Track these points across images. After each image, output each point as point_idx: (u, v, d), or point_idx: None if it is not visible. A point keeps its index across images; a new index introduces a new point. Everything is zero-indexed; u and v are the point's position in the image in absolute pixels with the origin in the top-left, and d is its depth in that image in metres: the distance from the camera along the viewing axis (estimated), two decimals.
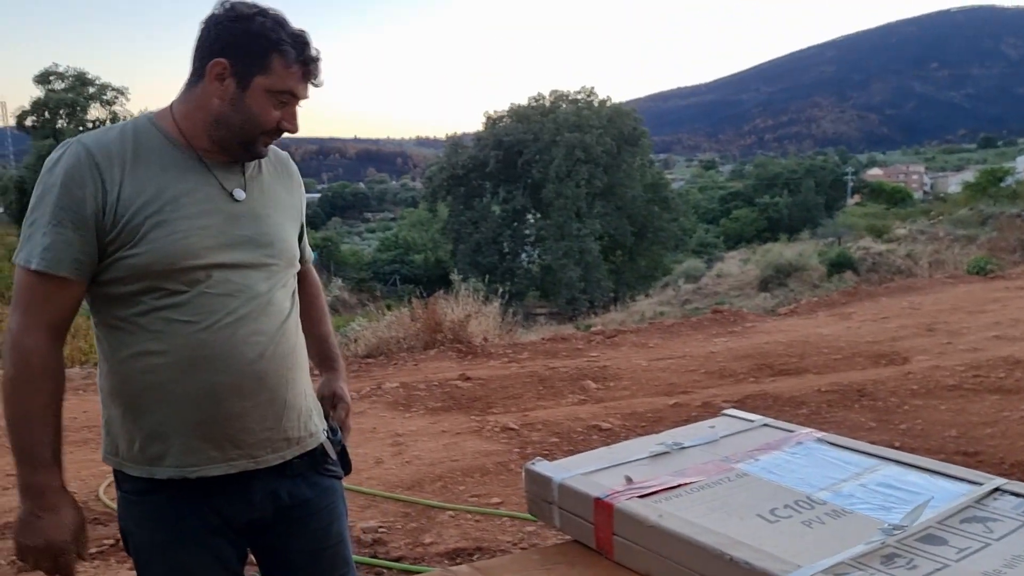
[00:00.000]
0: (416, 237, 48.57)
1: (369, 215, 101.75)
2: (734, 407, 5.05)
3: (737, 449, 1.74)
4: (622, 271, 40.27)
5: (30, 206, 1.49)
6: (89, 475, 4.10)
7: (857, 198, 58.29)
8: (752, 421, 1.92)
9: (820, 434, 1.81)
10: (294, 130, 1.59)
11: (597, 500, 1.50)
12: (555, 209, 37.85)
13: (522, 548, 3.30)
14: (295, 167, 1.79)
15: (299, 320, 1.72)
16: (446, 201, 41.87)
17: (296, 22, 1.55)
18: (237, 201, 1.57)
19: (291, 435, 1.63)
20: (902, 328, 7.26)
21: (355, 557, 3.34)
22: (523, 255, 41.79)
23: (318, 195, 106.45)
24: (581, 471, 1.62)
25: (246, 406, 1.55)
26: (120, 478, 1.60)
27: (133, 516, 1.59)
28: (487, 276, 33.17)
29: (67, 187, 1.45)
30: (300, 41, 1.53)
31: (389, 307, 10.81)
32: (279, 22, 1.52)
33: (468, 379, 6.12)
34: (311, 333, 1.90)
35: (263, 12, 1.51)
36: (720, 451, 1.73)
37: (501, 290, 9.34)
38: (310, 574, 1.71)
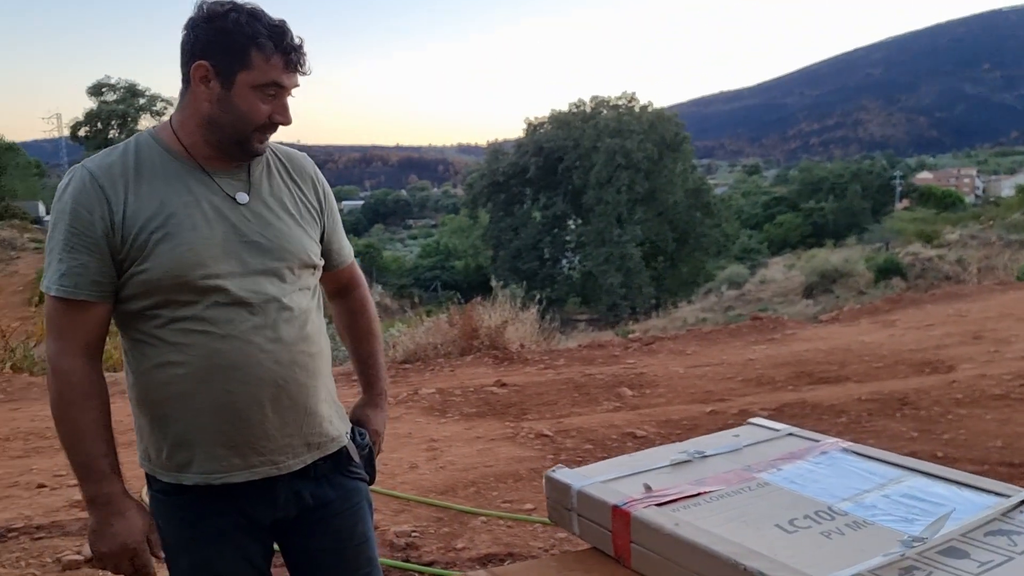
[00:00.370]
0: (457, 243, 48.86)
1: (411, 222, 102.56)
2: (771, 415, 5.01)
3: (760, 458, 1.72)
4: (664, 277, 40.01)
5: (47, 234, 1.54)
6: (132, 476, 4.21)
7: (906, 203, 57.14)
8: (777, 430, 1.90)
9: (846, 444, 1.78)
10: (287, 122, 1.58)
11: (615, 508, 1.49)
12: (596, 215, 37.78)
13: (553, 554, 3.30)
14: (311, 165, 1.77)
15: (323, 325, 1.72)
16: (487, 207, 42.03)
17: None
18: (241, 205, 1.58)
19: (312, 440, 1.64)
20: (947, 336, 7.10)
21: (388, 561, 3.39)
22: (564, 261, 41.77)
23: (361, 202, 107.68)
24: (600, 479, 1.62)
25: (266, 413, 1.57)
26: (150, 479, 1.66)
27: (162, 514, 1.64)
28: (527, 282, 33.23)
29: (75, 213, 1.49)
30: (278, 31, 1.51)
31: (429, 313, 10.87)
32: (254, 15, 1.50)
33: (504, 385, 6.13)
34: (352, 352, 1.91)
35: (236, 8, 1.50)
36: (742, 460, 1.72)
37: (538, 296, 9.34)
38: (333, 572, 1.73)
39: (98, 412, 1.53)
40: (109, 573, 1.60)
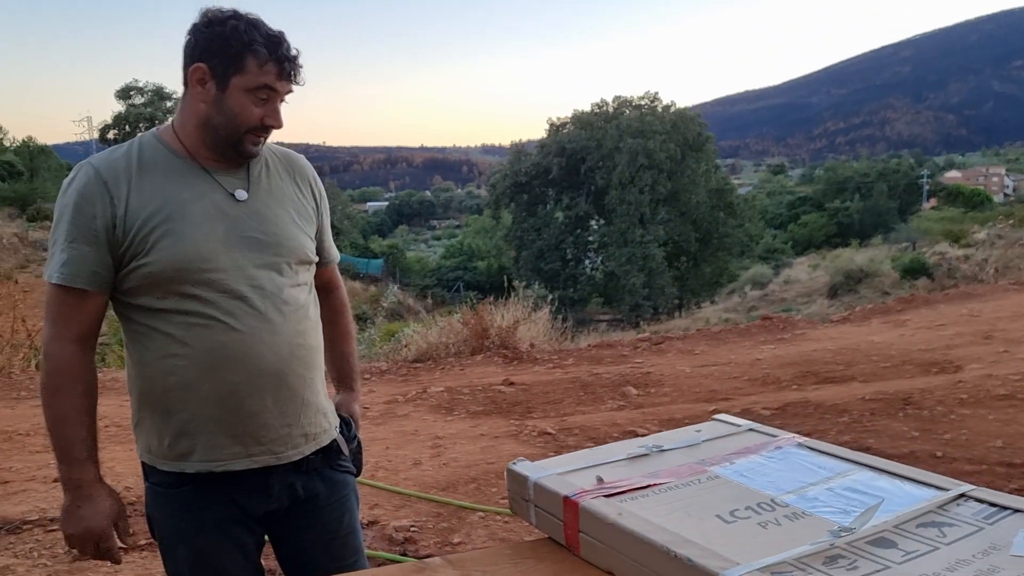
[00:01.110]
0: (480, 244, 48.93)
1: (435, 223, 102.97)
2: (773, 415, 5.03)
3: (716, 453, 1.77)
4: (687, 277, 39.80)
5: (52, 226, 1.62)
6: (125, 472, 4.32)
7: (933, 202, 56.43)
8: (739, 426, 1.94)
9: (802, 439, 1.82)
10: (278, 125, 1.65)
11: (565, 498, 1.55)
12: (618, 215, 37.64)
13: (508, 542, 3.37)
14: (309, 168, 1.85)
15: (319, 320, 1.79)
16: (509, 208, 42.02)
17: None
18: (240, 202, 1.65)
19: (308, 431, 1.72)
20: (958, 336, 7.05)
21: (384, 554, 3.47)
22: (586, 262, 41.65)
23: (385, 203, 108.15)
24: (557, 471, 1.67)
25: (267, 403, 1.64)
26: (148, 471, 1.72)
27: (159, 505, 1.71)
28: (550, 283, 33.21)
29: (79, 206, 1.56)
30: (274, 40, 1.59)
31: (451, 313, 10.97)
32: (252, 24, 1.58)
33: (511, 384, 6.20)
34: (330, 350, 1.96)
35: (236, 15, 1.58)
36: (698, 454, 1.76)
37: (550, 296, 9.40)
38: (322, 562, 1.80)
39: (83, 398, 1.60)
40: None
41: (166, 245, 1.57)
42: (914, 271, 23.76)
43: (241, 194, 1.66)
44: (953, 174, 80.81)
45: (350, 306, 2.09)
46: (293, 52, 1.62)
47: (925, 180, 59.86)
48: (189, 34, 1.61)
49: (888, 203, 52.72)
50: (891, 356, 6.46)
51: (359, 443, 1.93)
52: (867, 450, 4.27)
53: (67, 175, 1.64)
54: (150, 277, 1.58)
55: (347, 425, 1.91)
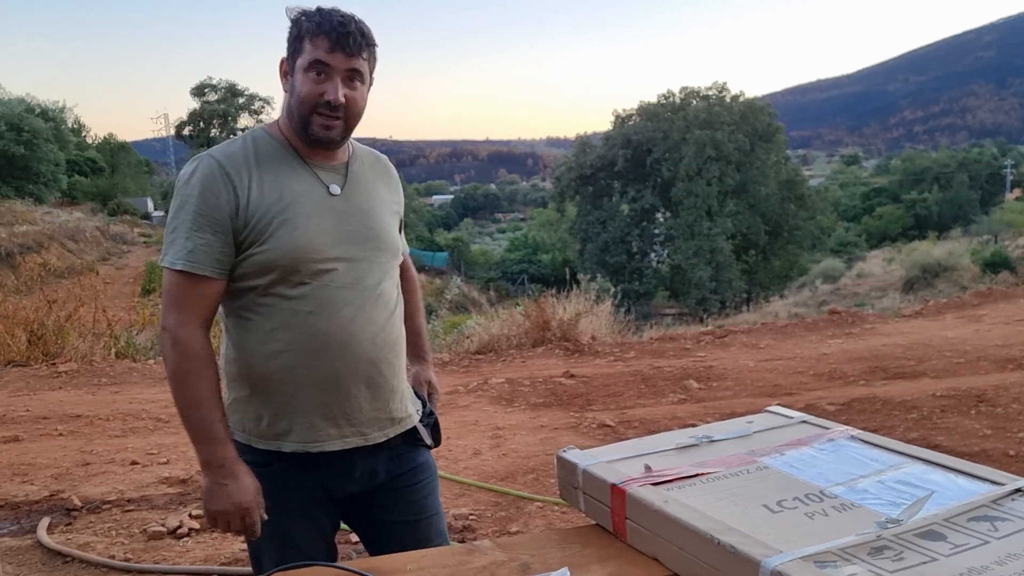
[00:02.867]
0: (545, 237, 48.89)
1: (500, 215, 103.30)
2: (839, 410, 4.94)
3: (767, 444, 1.77)
4: (755, 271, 39.04)
5: (170, 215, 1.69)
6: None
7: (1017, 193, 54.16)
8: (791, 418, 1.93)
9: (855, 432, 1.81)
10: (336, 99, 1.63)
11: (613, 486, 1.57)
12: (685, 208, 37.11)
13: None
14: (394, 168, 1.95)
15: (403, 312, 1.87)
16: (574, 201, 41.83)
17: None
18: (335, 196, 1.72)
19: (395, 415, 1.81)
20: None
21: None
22: (652, 255, 41.20)
23: (451, 196, 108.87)
24: (606, 459, 1.70)
25: (362, 389, 1.73)
26: (239, 450, 1.76)
27: None
28: (615, 276, 33.00)
29: (204, 196, 1.64)
30: (327, 17, 1.63)
31: (517, 306, 11.02)
32: (320, 11, 1.64)
33: (572, 376, 6.21)
34: (406, 324, 2.06)
35: (309, 10, 1.66)
36: (749, 445, 1.76)
37: (613, 290, 9.36)
38: (408, 544, 1.82)
39: (213, 381, 1.68)
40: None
41: (283, 234, 1.65)
42: (995, 265, 22.87)
43: (335, 188, 1.73)
44: None
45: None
46: (348, 27, 1.62)
47: (1009, 170, 57.44)
48: None
49: (969, 194, 50.82)
50: (965, 352, 6.25)
51: (436, 420, 2.00)
52: (936, 447, 4.16)
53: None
54: (264, 264, 1.65)
55: (423, 406, 1.97)
